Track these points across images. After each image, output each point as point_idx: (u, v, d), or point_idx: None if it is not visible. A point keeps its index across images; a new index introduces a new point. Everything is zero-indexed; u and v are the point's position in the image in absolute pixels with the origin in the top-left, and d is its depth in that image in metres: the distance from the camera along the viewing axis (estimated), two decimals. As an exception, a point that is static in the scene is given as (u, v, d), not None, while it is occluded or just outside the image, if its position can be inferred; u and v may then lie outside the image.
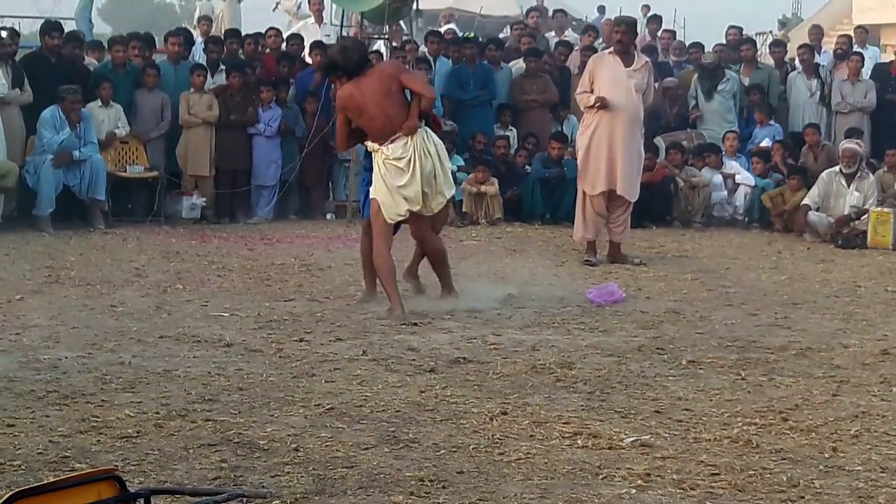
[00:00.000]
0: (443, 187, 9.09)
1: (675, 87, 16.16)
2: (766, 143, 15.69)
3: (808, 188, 14.13)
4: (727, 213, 15.19)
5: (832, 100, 15.94)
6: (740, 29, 17.89)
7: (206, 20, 19.95)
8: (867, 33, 18.50)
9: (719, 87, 15.97)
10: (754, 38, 20.78)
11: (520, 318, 8.80)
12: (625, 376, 7.01)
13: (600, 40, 17.58)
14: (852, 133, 14.79)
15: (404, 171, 8.90)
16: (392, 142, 8.91)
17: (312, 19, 18.58)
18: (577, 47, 17.00)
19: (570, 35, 18.76)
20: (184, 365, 7.08)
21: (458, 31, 20.26)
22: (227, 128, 14.53)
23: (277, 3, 24.27)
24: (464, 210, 14.78)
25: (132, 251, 11.88)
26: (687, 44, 18.05)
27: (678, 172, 14.95)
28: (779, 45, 18.12)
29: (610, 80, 11.34)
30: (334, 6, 17.63)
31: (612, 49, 11.68)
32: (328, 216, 15.18)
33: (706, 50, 17.27)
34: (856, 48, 16.95)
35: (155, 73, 14.41)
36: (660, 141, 15.52)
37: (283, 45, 16.05)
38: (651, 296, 9.90)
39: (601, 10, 29.03)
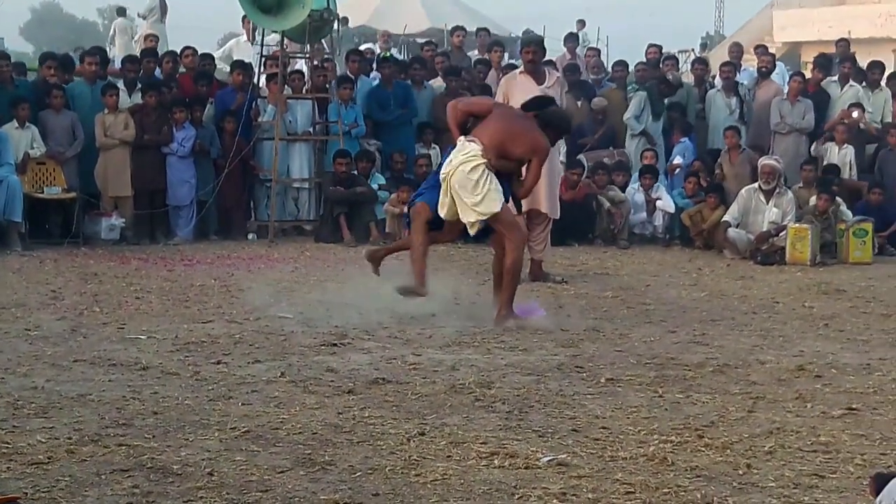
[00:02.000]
0: (472, 206, 9.32)
1: (603, 108, 16.21)
2: (678, 160, 15.82)
3: (726, 205, 14.28)
4: (648, 231, 15.31)
5: (772, 119, 16.03)
6: (660, 47, 18.03)
7: (154, 37, 19.70)
8: (767, 51, 18.72)
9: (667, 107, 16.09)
10: (676, 55, 21.00)
11: (440, 337, 8.78)
12: (543, 395, 7.01)
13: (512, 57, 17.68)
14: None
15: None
16: (470, 141, 9.38)
17: (245, 37, 18.48)
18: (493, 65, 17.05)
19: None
20: (98, 389, 6.98)
21: (376, 50, 20.26)
22: (143, 148, 14.47)
23: (139, 14, 24.27)
24: (387, 230, 14.78)
25: (49, 273, 11.73)
26: (606, 61, 18.20)
27: (602, 191, 15.01)
28: (701, 63, 18.28)
29: (524, 99, 11.34)
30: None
31: (522, 69, 11.71)
32: (249, 236, 15.13)
33: (630, 69, 17.36)
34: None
35: (61, 95, 14.25)
36: (583, 158, 15.60)
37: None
38: (571, 314, 9.92)
39: (526, 33, 29.26)
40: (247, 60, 16.10)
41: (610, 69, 17.72)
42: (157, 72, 15.74)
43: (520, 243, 9.61)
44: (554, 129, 9.77)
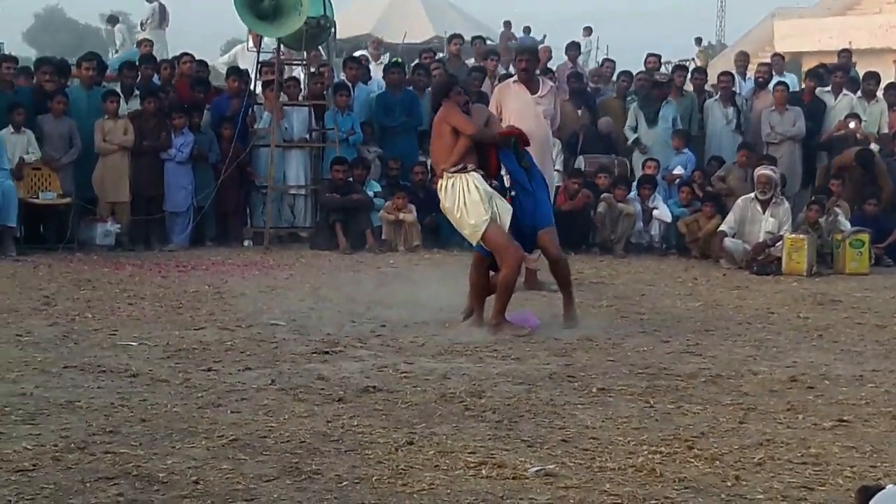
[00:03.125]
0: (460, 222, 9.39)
1: (608, 126, 16.15)
2: (678, 170, 15.76)
3: (723, 214, 14.25)
4: (644, 240, 15.27)
5: (762, 130, 16.00)
6: (659, 56, 18.00)
7: (149, 42, 19.70)
8: (783, 60, 18.70)
9: (662, 113, 15.98)
10: (679, 65, 20.96)
11: (433, 345, 8.75)
12: (534, 404, 6.97)
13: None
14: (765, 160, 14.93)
15: None
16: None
17: (251, 43, 18.43)
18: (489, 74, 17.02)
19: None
20: (87, 396, 6.95)
21: (369, 56, 20.20)
22: (141, 154, 14.46)
23: (141, 23, 24.29)
24: (382, 237, 14.77)
25: (42, 279, 11.72)
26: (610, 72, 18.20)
27: (616, 205, 14.89)
28: (700, 73, 18.24)
29: (518, 108, 11.28)
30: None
31: (516, 77, 11.64)
32: (245, 243, 15.11)
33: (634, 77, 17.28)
34: (775, 77, 17.14)
35: (64, 101, 14.22)
36: (581, 161, 15.50)
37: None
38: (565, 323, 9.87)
39: (527, 30, 29.33)
40: (251, 67, 16.10)
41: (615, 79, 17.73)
42: (155, 78, 15.74)
43: (514, 263, 9.40)
44: (446, 97, 9.55)
